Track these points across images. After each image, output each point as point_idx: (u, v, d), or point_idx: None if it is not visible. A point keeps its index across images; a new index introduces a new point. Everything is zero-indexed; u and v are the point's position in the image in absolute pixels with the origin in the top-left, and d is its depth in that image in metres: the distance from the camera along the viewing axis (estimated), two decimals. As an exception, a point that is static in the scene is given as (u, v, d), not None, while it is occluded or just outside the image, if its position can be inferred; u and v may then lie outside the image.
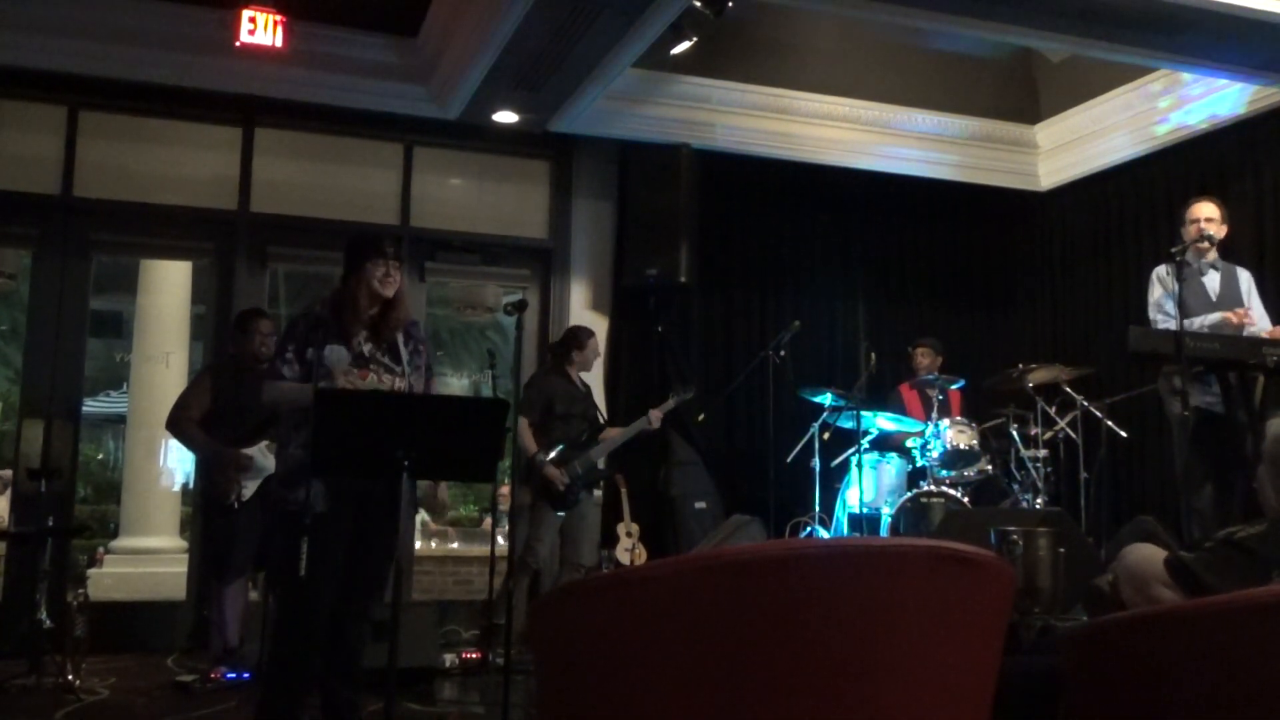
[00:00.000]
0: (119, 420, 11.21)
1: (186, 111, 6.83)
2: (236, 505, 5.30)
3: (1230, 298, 5.51)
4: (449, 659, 5.62)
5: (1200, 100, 7.01)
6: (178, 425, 5.51)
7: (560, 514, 6.00)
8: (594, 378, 7.04)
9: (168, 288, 9.10)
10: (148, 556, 8.40)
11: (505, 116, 6.96)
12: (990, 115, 8.11)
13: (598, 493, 6.59)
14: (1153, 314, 5.51)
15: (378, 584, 4.09)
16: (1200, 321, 5.29)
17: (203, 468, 5.74)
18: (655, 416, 6.25)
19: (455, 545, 9.65)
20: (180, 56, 6.42)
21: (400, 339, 4.03)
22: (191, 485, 7.63)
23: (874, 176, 7.90)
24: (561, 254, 7.57)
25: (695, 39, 6.24)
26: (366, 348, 3.94)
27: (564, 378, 6.22)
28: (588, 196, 7.65)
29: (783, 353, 6.73)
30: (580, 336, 6.33)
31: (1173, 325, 5.20)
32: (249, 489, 5.32)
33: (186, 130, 6.91)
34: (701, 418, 7.19)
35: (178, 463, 9.25)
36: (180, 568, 6.95)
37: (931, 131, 7.96)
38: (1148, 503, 6.86)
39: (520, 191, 7.68)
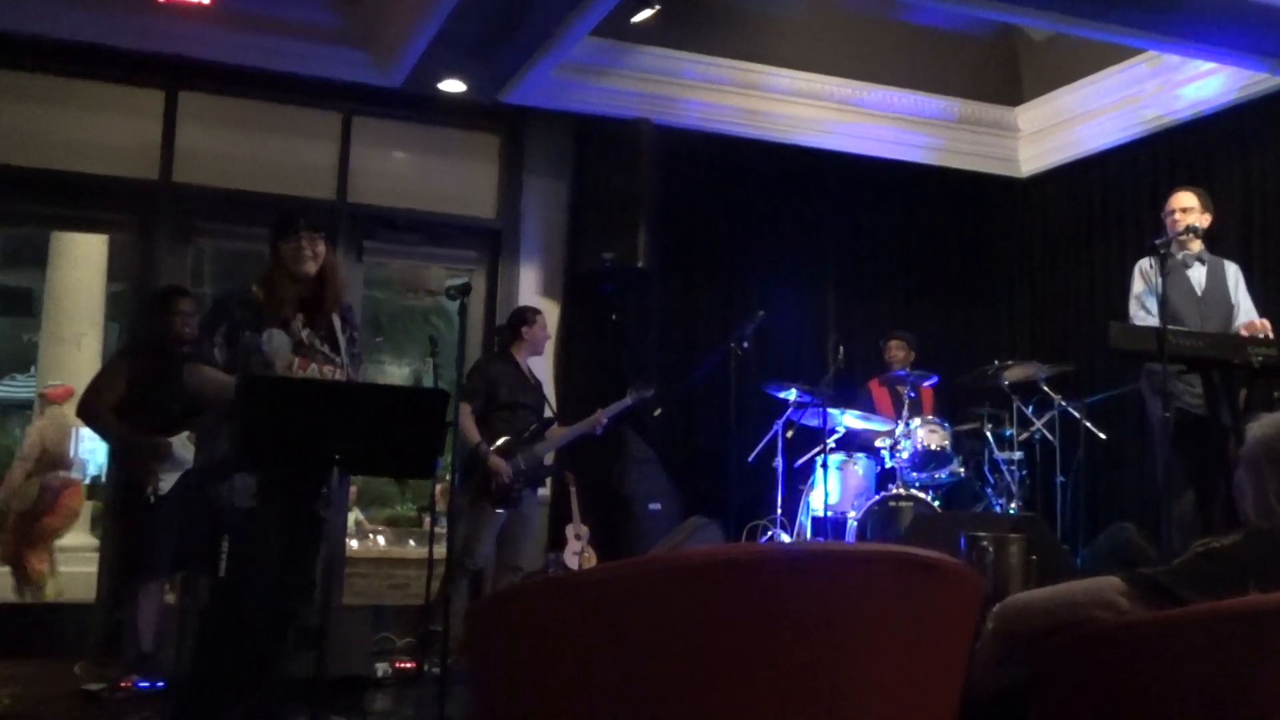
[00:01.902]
0: (26, 406, 11.04)
1: (104, 72, 6.73)
2: (153, 499, 5.24)
3: (1216, 293, 5.59)
4: (382, 668, 5.60)
5: (1189, 85, 7.11)
6: (90, 412, 5.44)
7: (501, 512, 5.99)
8: (544, 369, 7.04)
9: (81, 263, 8.99)
10: (56, 555, 8.30)
11: (453, 86, 6.93)
12: (969, 96, 8.18)
13: (543, 491, 6.58)
14: (1132, 309, 5.58)
15: (307, 587, 4.07)
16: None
17: (117, 459, 5.67)
18: (600, 420, 6.24)
19: (383, 543, 9.62)
20: (98, 13, 6.32)
21: (337, 324, 4.02)
22: (105, 478, 7.53)
23: (846, 158, 7.94)
24: (511, 235, 7.55)
25: (658, 7, 6.26)
26: (305, 334, 3.93)
27: (511, 364, 6.21)
28: (540, 174, 7.62)
29: (746, 344, 6.75)
30: (527, 315, 6.33)
31: (1150, 322, 5.29)
32: (166, 482, 5.26)
33: (104, 92, 6.81)
34: (658, 412, 7.20)
35: (90, 453, 9.13)
36: (90, 567, 6.87)
37: (907, 112, 8.01)
38: (1126, 508, 6.97)
39: (468, 167, 7.64)
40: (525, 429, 6.07)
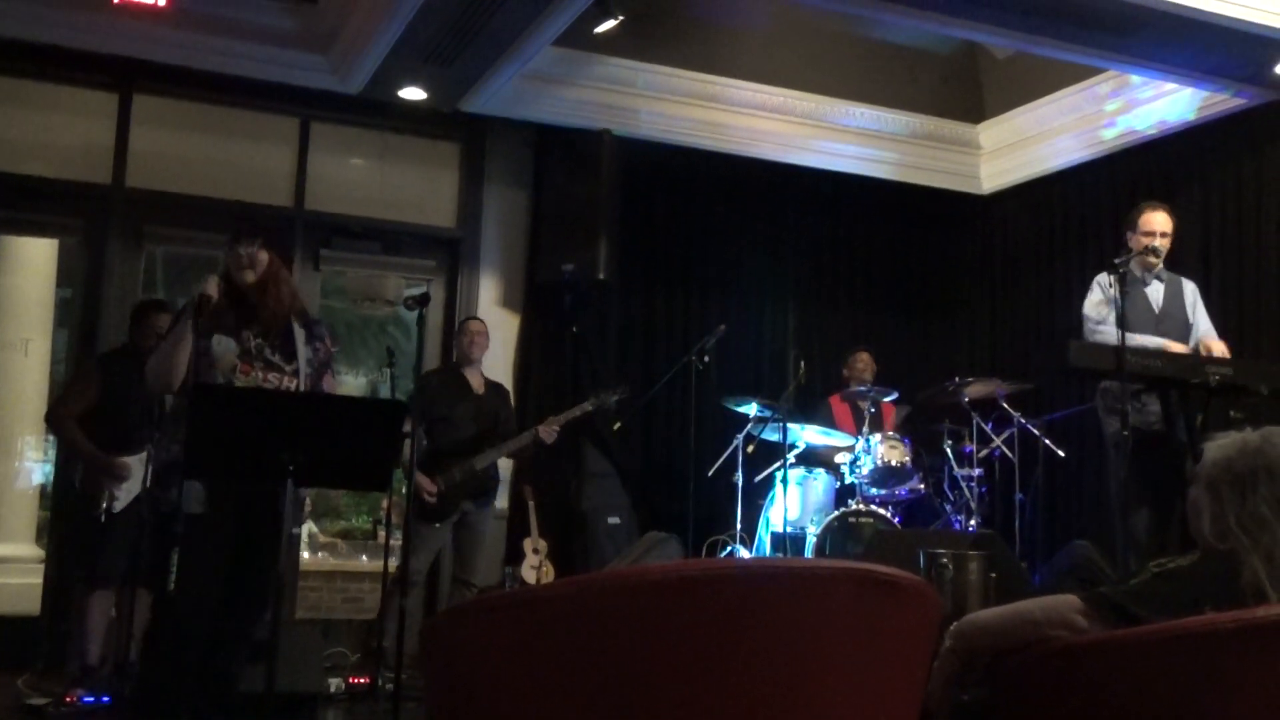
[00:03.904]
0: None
1: (56, 73, 6.65)
2: (104, 518, 5.25)
3: (1174, 311, 5.65)
4: (334, 684, 5.56)
5: (1149, 104, 7.21)
6: (56, 420, 5.50)
7: (438, 526, 5.98)
8: (504, 380, 7.02)
9: (29, 267, 8.85)
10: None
11: (412, 93, 6.90)
12: (931, 112, 8.24)
13: (500, 504, 6.54)
14: (1087, 323, 5.60)
15: (260, 600, 4.04)
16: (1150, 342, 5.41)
17: (79, 472, 5.64)
18: (547, 431, 6.20)
19: (334, 559, 9.55)
20: (50, 11, 6.25)
21: (301, 335, 4.03)
22: (50, 487, 7.42)
23: (807, 172, 7.98)
24: (470, 245, 7.53)
25: (621, 17, 6.26)
26: (255, 342, 3.94)
27: (453, 375, 6.18)
28: (500, 183, 7.61)
29: (706, 358, 6.76)
30: (458, 325, 6.30)
31: (1105, 337, 5.35)
32: (122, 500, 5.27)
33: (55, 94, 6.73)
34: (618, 426, 7.19)
35: (36, 462, 9.00)
36: (35, 579, 6.77)
37: (869, 127, 8.07)
38: (1084, 526, 7.02)
39: (427, 175, 7.61)
40: (464, 440, 6.05)
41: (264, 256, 3.98)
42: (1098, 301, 5.61)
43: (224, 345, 3.87)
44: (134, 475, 5.29)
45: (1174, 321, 5.61)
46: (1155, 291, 5.65)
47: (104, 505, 5.24)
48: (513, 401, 7.13)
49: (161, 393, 3.88)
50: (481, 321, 6.55)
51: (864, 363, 7.50)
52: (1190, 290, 5.75)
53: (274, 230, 4.42)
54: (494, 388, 6.46)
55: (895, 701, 2.15)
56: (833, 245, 8.39)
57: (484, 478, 6.14)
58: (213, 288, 3.83)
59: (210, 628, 3.79)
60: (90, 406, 5.41)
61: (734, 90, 7.67)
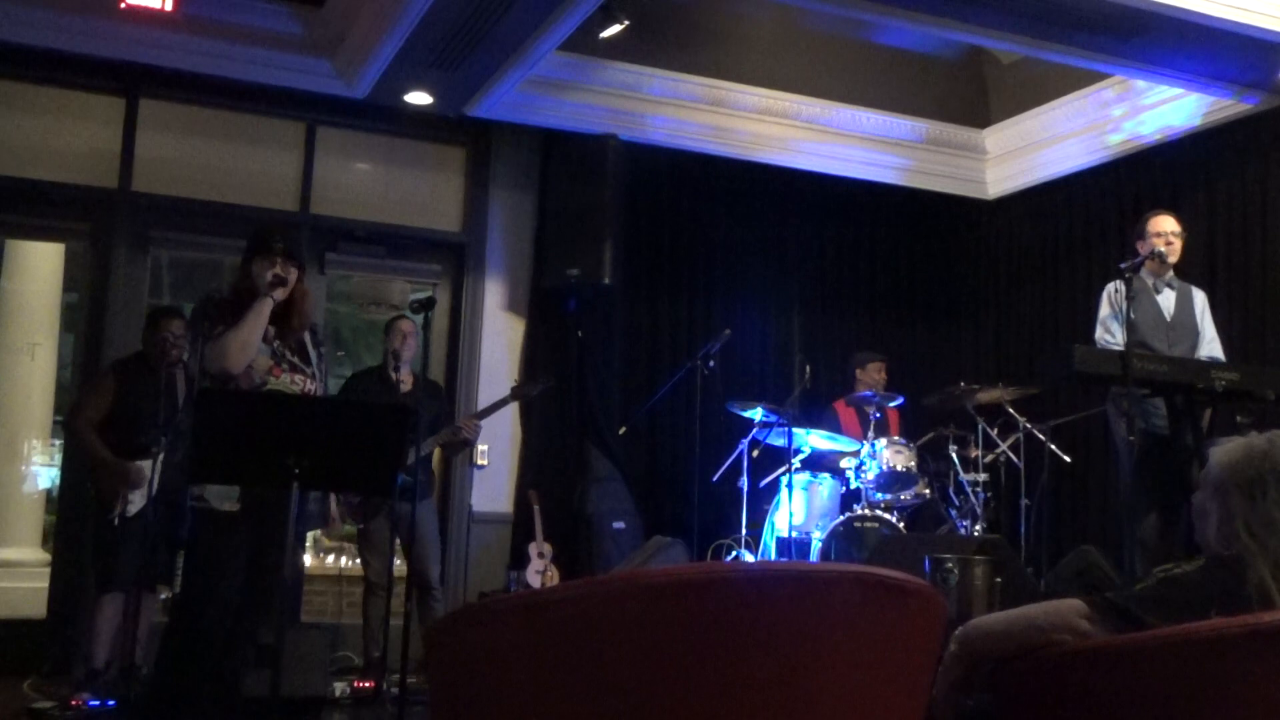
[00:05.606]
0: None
1: (63, 78, 6.67)
2: (117, 521, 5.30)
3: (1185, 319, 5.64)
4: (339, 688, 5.55)
5: (1154, 110, 7.20)
6: (76, 430, 5.54)
7: (364, 525, 5.99)
8: (508, 385, 7.01)
9: (36, 272, 8.87)
10: (5, 570, 8.18)
11: (418, 98, 6.92)
12: (937, 117, 8.25)
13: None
14: (1098, 333, 5.62)
15: (269, 603, 4.05)
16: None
17: (90, 475, 5.67)
18: (468, 426, 6.04)
19: (343, 560, 9.55)
20: (57, 17, 6.26)
21: (308, 338, 4.14)
22: (56, 492, 7.44)
23: (813, 177, 7.98)
24: (476, 249, 7.53)
25: (627, 22, 6.27)
26: (275, 345, 4.02)
27: (375, 378, 6.09)
28: (506, 188, 7.62)
29: (711, 363, 6.76)
30: (387, 325, 6.27)
31: (1116, 346, 5.34)
32: (134, 504, 5.32)
33: (62, 98, 6.74)
34: (623, 431, 7.20)
35: (42, 466, 9.02)
36: (41, 583, 6.78)
37: (875, 132, 8.07)
38: (1090, 532, 7.02)
39: (433, 180, 7.62)
40: None
41: (294, 274, 4.06)
42: (1104, 317, 5.61)
43: (259, 348, 3.96)
44: (145, 480, 5.32)
45: (1185, 330, 5.61)
46: (1166, 300, 5.65)
47: (118, 510, 5.30)
48: (518, 404, 7.04)
49: (233, 371, 3.87)
50: (411, 321, 6.20)
51: (879, 370, 7.51)
52: (1200, 299, 5.75)
53: (298, 243, 4.40)
54: (426, 387, 6.16)
55: (899, 706, 2.15)
56: (838, 250, 8.39)
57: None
58: (281, 269, 3.95)
59: (227, 629, 3.82)
60: (105, 414, 5.46)
61: (740, 95, 7.67)
